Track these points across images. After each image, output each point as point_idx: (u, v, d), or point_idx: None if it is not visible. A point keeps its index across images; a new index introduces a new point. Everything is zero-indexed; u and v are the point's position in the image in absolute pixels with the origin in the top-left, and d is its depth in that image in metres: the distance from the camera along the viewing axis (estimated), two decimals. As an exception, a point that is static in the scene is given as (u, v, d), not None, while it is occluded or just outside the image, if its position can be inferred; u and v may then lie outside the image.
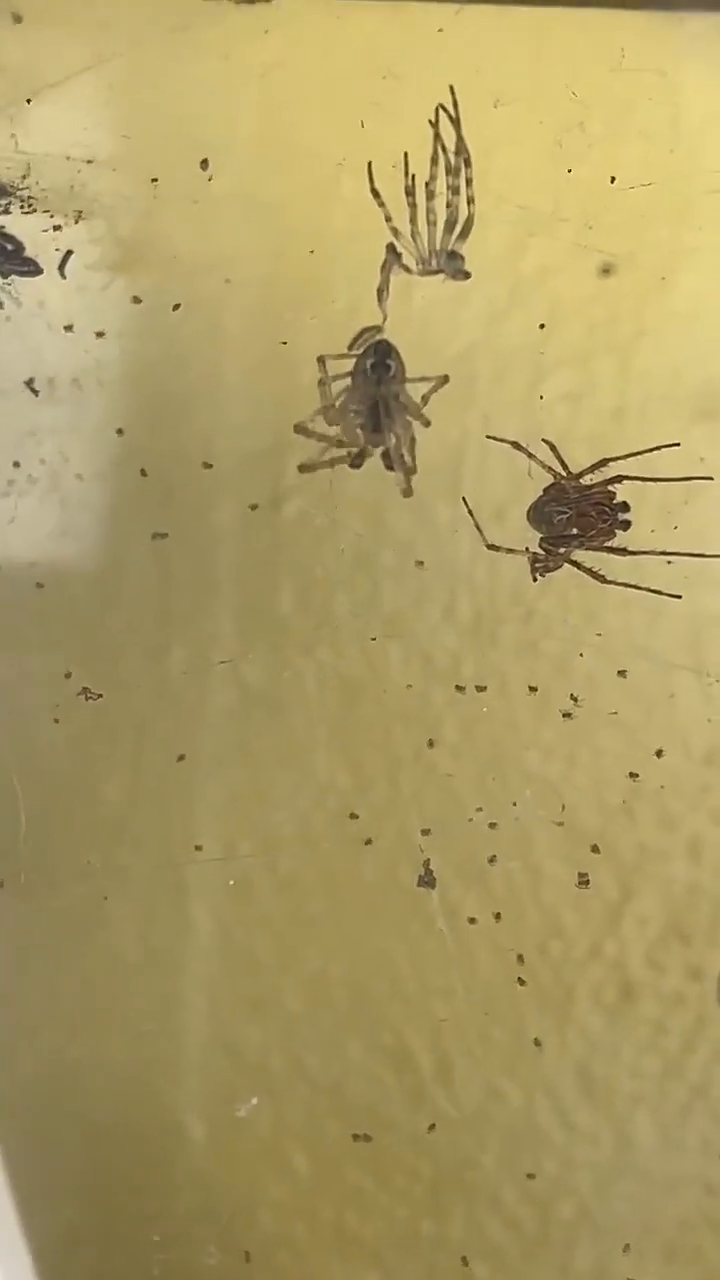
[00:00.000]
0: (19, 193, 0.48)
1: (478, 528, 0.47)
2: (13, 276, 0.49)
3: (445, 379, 0.46)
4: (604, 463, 0.45)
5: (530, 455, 0.46)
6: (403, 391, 0.46)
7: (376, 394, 0.46)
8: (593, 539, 0.45)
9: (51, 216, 0.49)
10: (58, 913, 0.51)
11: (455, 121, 0.45)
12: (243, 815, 0.50)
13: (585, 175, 0.45)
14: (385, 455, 0.46)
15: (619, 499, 0.45)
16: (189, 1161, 0.51)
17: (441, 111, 0.45)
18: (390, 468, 0.46)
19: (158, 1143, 0.52)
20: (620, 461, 0.45)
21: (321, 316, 0.47)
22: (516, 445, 0.46)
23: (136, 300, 0.49)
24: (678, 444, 0.45)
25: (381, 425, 0.46)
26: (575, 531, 0.45)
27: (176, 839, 0.50)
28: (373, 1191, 0.50)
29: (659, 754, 0.46)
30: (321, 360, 0.46)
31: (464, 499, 0.47)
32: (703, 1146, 0.48)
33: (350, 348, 0.47)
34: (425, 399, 0.46)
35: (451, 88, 0.45)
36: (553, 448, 0.46)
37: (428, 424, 0.46)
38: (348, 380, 0.46)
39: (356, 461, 0.46)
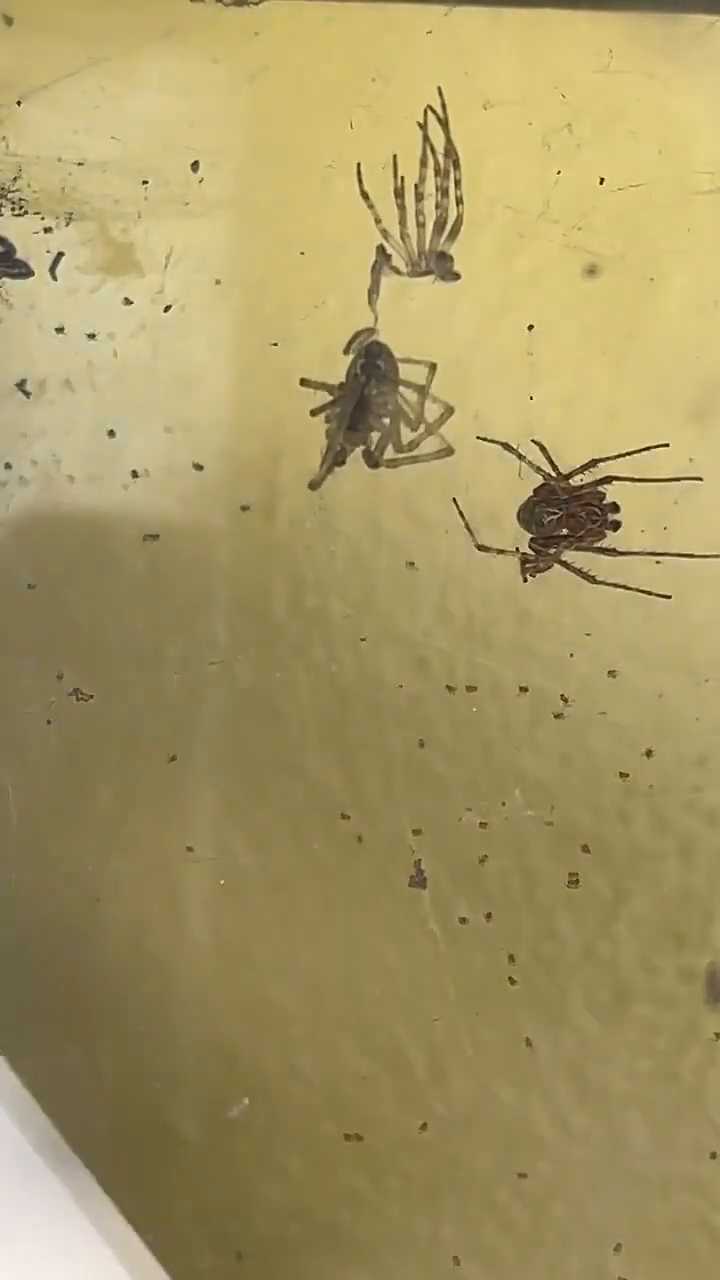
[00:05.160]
0: (10, 195, 0.49)
1: (468, 529, 0.47)
2: (4, 279, 0.49)
3: (434, 367, 0.46)
4: (594, 463, 0.45)
5: (520, 456, 0.46)
6: (394, 392, 0.47)
7: (363, 394, 0.46)
8: (582, 539, 0.45)
9: (42, 218, 0.49)
10: (50, 914, 0.51)
11: (444, 123, 0.45)
12: (235, 816, 0.50)
13: (574, 176, 0.45)
14: (367, 454, 0.47)
15: (609, 499, 0.45)
16: (182, 1162, 0.51)
17: (430, 113, 0.45)
18: (374, 466, 0.46)
19: (151, 1144, 0.52)
20: (610, 462, 0.45)
21: (312, 318, 0.47)
22: (507, 446, 0.46)
23: (127, 302, 0.49)
24: (667, 444, 0.45)
25: (359, 425, 0.46)
26: (565, 532, 0.45)
27: (169, 840, 0.50)
28: (365, 1191, 0.50)
29: (649, 754, 0.46)
30: (305, 381, 0.47)
31: (454, 500, 0.47)
32: (694, 1147, 0.48)
33: (345, 351, 0.47)
34: (422, 402, 0.46)
35: (440, 89, 0.45)
36: (543, 449, 0.46)
37: (417, 427, 0.47)
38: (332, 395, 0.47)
39: (340, 459, 0.47)
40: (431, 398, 0.46)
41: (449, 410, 0.46)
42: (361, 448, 0.47)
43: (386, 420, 0.47)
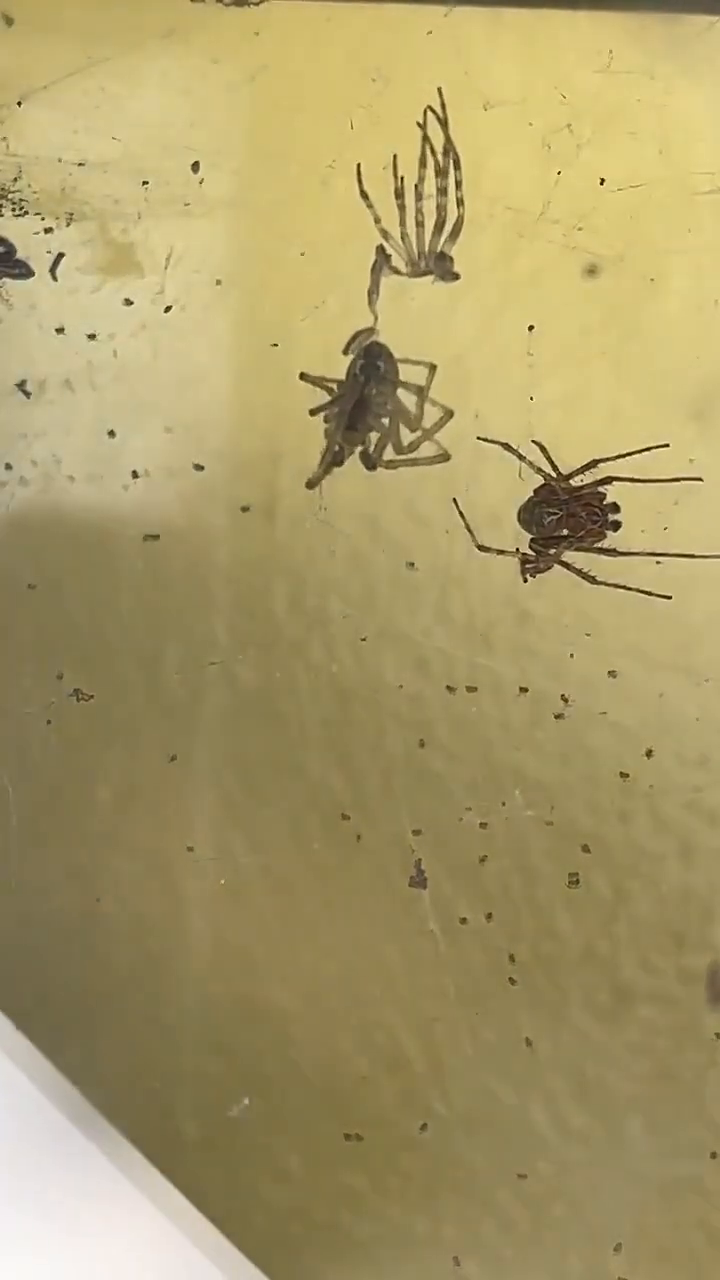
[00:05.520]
0: (10, 195, 0.49)
1: (468, 529, 0.47)
2: (4, 279, 0.49)
3: (433, 368, 0.46)
4: (594, 464, 0.45)
5: (520, 457, 0.46)
6: (393, 393, 0.47)
7: (362, 394, 0.46)
8: (583, 540, 0.45)
9: (43, 219, 0.49)
10: (50, 914, 0.51)
11: (444, 123, 0.45)
12: (235, 816, 0.50)
13: (574, 177, 0.45)
14: (364, 455, 0.47)
15: (609, 500, 0.45)
16: (182, 1162, 0.51)
17: (430, 113, 0.45)
18: (371, 467, 0.46)
19: (151, 1144, 0.52)
20: (610, 462, 0.45)
21: (312, 318, 0.47)
22: (507, 447, 0.46)
23: (128, 302, 0.49)
24: (667, 445, 0.45)
25: (358, 425, 0.46)
26: (565, 532, 0.45)
27: (169, 840, 0.50)
28: (365, 1191, 0.50)
29: (649, 754, 0.46)
30: (305, 376, 0.47)
31: (454, 500, 0.47)
32: (694, 1147, 0.48)
33: (345, 351, 0.47)
34: (421, 404, 0.46)
35: (440, 90, 0.45)
36: (543, 449, 0.46)
37: (416, 428, 0.47)
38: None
39: (338, 459, 0.47)
40: (431, 400, 0.46)
41: (448, 414, 0.46)
42: (360, 448, 0.47)
43: (385, 421, 0.47)
